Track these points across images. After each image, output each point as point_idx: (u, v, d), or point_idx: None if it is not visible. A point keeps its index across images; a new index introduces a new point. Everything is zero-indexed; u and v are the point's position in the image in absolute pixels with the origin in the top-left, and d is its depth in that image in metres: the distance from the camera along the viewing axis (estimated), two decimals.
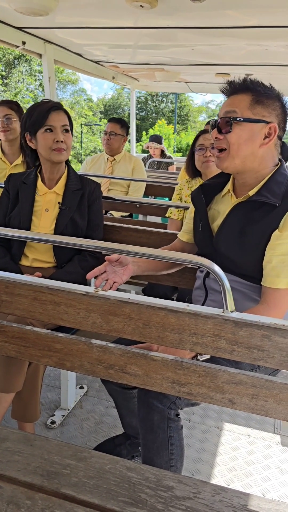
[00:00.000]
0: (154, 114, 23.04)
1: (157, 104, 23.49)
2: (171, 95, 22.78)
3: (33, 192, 1.92)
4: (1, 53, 16.68)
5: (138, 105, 23.25)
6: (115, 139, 3.55)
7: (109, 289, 1.46)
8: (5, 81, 16.65)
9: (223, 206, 1.52)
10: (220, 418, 2.16)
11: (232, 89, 1.40)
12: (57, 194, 1.92)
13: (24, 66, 17.61)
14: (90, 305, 1.16)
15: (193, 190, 1.65)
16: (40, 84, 17.71)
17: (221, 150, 1.40)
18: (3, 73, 16.69)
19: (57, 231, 1.86)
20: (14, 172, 2.18)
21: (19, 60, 17.31)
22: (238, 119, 1.35)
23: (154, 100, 22.98)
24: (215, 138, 1.40)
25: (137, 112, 22.58)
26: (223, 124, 1.37)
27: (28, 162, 2.00)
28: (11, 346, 1.28)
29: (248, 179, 1.43)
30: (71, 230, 1.88)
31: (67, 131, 1.86)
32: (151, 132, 16.05)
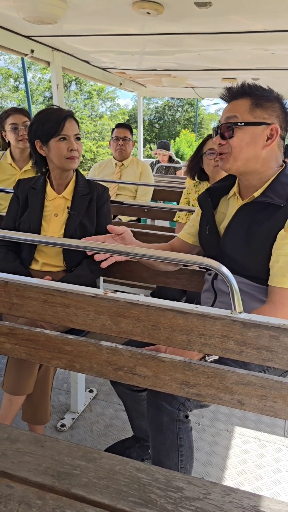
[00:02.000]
0: (171, 123, 25.27)
1: (173, 113, 25.67)
2: (186, 105, 24.45)
3: (42, 197, 1.94)
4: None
5: (157, 115, 25.48)
6: (128, 144, 3.59)
7: (103, 262, 1.50)
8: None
9: (229, 208, 1.53)
10: (230, 421, 2.15)
11: (231, 95, 1.43)
12: (66, 199, 1.94)
13: (76, 87, 20.53)
14: (99, 307, 1.17)
15: (200, 194, 1.67)
16: (86, 105, 20.48)
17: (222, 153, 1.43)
18: (65, 94, 19.49)
19: (66, 236, 1.88)
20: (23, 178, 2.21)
21: (70, 82, 20.04)
22: (239, 123, 1.38)
23: (171, 110, 25.29)
24: (219, 144, 1.43)
25: (156, 120, 25.01)
26: (225, 130, 1.40)
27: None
28: (22, 348, 1.29)
29: (252, 181, 1.45)
30: (80, 235, 1.90)
31: (78, 139, 1.89)
32: (177, 140, 17.04)
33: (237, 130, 1.38)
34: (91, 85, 19.97)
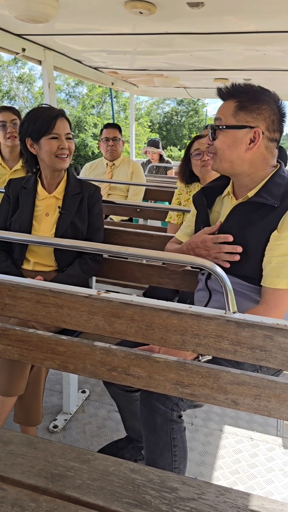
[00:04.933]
0: (178, 127, 27.98)
1: (179, 118, 28.36)
2: (191, 111, 27.61)
3: (33, 197, 1.93)
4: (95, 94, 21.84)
5: (166, 119, 28.15)
6: (118, 144, 3.58)
7: None
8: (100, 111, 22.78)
9: (223, 207, 1.54)
10: (223, 421, 2.16)
11: (221, 95, 1.44)
12: (57, 198, 1.93)
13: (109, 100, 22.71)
14: (92, 307, 1.16)
15: (194, 193, 1.67)
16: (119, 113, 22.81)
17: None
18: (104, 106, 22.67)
19: (57, 235, 1.87)
20: (14, 177, 2.20)
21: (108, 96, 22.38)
22: (220, 127, 1.40)
23: (178, 115, 28.12)
24: (208, 144, 1.47)
25: (164, 124, 27.69)
26: (211, 131, 1.43)
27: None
28: (14, 349, 1.28)
29: (243, 181, 1.45)
30: (72, 234, 1.88)
31: (69, 138, 1.88)
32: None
33: (219, 133, 1.40)
34: (124, 98, 22.02)
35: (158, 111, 28.42)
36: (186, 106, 27.65)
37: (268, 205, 1.36)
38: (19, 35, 2.89)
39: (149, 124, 24.64)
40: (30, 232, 1.90)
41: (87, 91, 22.07)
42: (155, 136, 22.95)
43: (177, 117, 28.08)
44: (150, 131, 23.87)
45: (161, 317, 1.10)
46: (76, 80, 21.71)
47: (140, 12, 2.14)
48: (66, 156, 1.87)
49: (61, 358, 1.23)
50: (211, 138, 1.44)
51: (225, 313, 1.07)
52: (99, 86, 20.18)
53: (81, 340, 1.21)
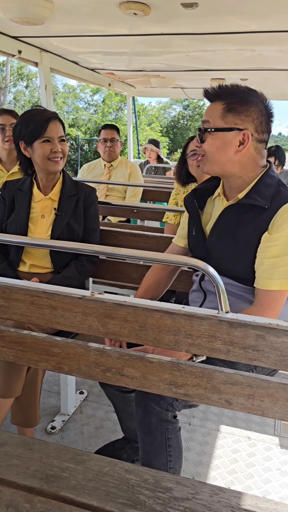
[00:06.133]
0: (184, 130, 29.36)
1: (185, 122, 29.66)
2: (197, 115, 28.77)
3: (29, 199, 1.93)
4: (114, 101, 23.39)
5: (172, 123, 29.55)
6: (116, 145, 3.57)
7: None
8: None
9: (215, 209, 1.53)
10: (220, 421, 2.16)
11: (208, 97, 1.42)
12: (52, 200, 1.93)
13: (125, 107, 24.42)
14: (86, 308, 1.17)
15: (185, 195, 1.67)
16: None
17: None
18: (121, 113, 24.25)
19: (53, 237, 1.88)
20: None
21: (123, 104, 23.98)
22: (209, 129, 1.37)
23: (184, 119, 29.68)
24: (196, 146, 1.44)
25: (171, 128, 29.15)
26: (200, 134, 1.41)
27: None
28: (9, 351, 1.28)
29: (233, 183, 1.44)
30: (67, 236, 1.89)
31: (63, 140, 1.88)
32: None
33: (208, 136, 1.38)
34: (138, 105, 23.21)
35: (165, 116, 29.71)
36: (192, 110, 28.71)
37: (259, 206, 1.36)
38: (15, 37, 2.90)
39: (160, 128, 25.65)
40: (26, 234, 1.90)
41: (103, 99, 23.59)
42: (165, 139, 23.50)
43: (183, 121, 29.24)
44: (161, 135, 24.82)
45: (154, 317, 1.11)
46: (93, 90, 23.44)
47: (135, 13, 2.15)
48: (59, 158, 1.87)
49: (55, 359, 1.23)
50: (199, 141, 1.42)
51: (217, 313, 1.08)
52: (116, 95, 21.62)
53: (75, 341, 1.21)
